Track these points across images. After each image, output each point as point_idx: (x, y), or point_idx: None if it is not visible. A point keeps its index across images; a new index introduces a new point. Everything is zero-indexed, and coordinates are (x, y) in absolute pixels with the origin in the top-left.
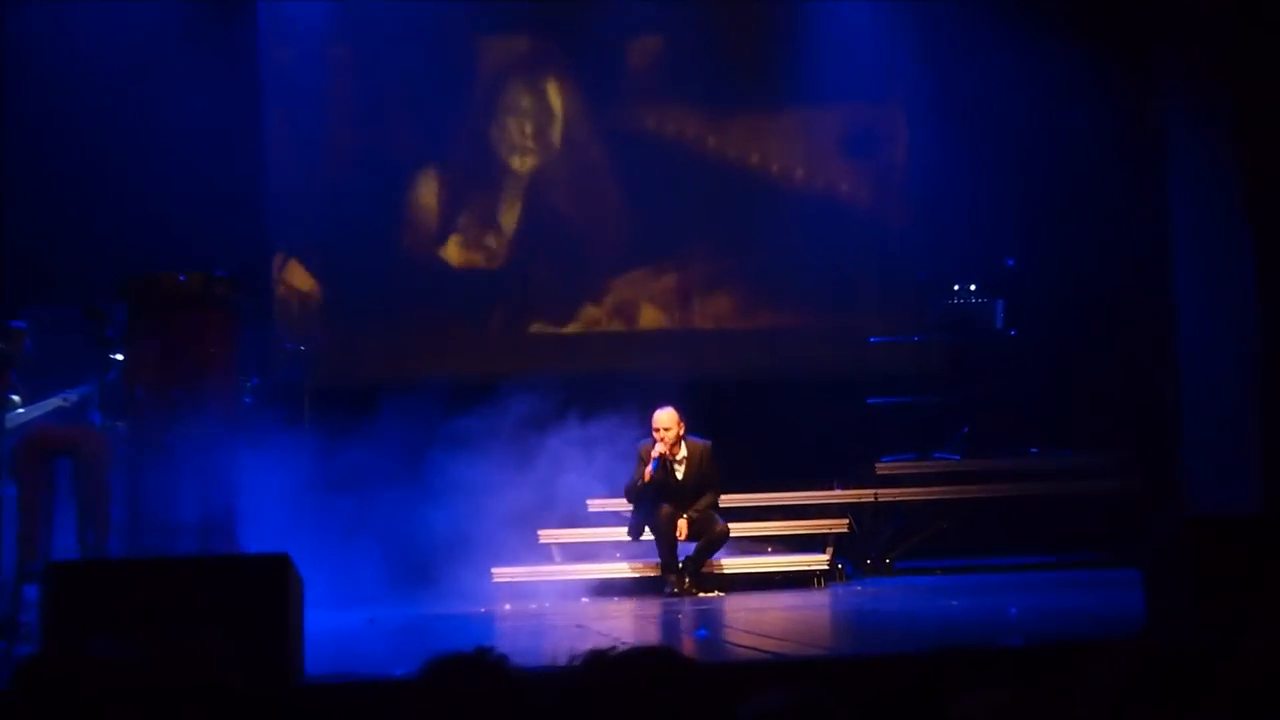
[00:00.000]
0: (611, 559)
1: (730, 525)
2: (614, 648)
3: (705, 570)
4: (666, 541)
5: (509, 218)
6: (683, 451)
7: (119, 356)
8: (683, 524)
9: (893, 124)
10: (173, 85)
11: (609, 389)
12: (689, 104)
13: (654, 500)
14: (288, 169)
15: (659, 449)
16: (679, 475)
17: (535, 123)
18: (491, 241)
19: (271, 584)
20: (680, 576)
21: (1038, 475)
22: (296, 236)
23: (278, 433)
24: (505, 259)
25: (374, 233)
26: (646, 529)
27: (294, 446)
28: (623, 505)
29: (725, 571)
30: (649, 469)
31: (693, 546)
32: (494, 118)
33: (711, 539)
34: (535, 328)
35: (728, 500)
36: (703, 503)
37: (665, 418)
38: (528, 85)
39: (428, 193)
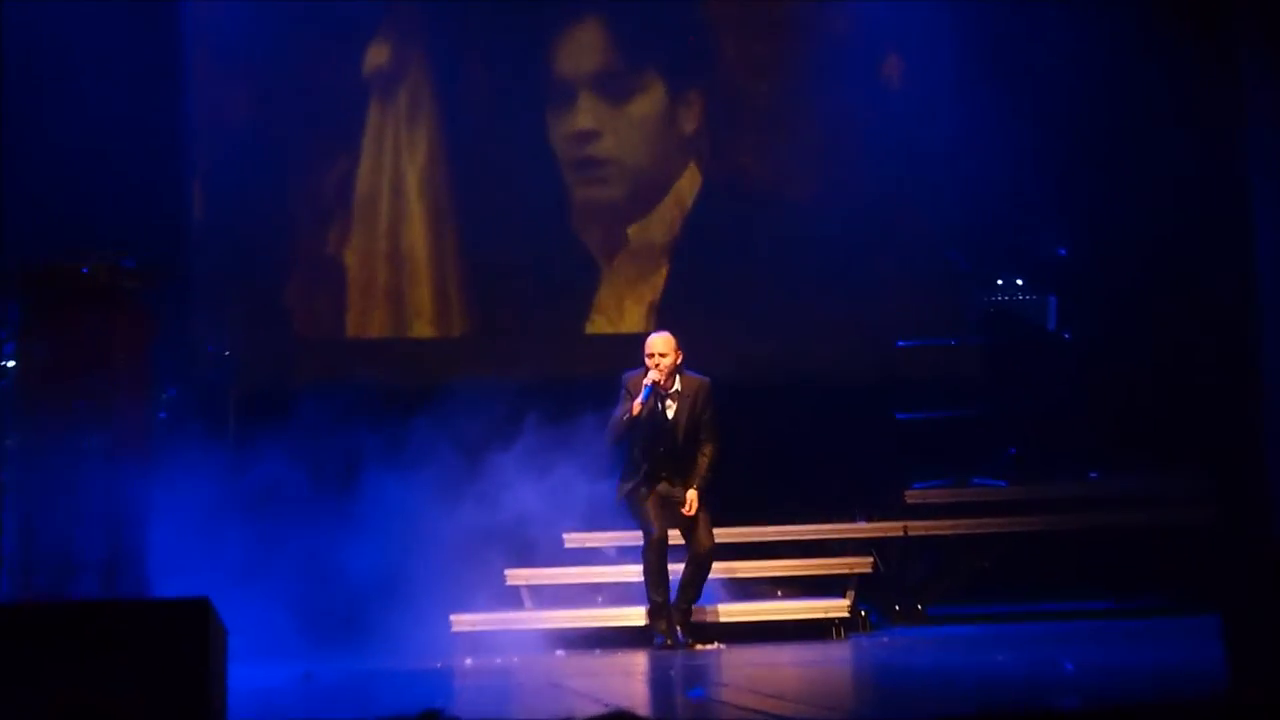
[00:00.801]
0: (592, 604)
1: (733, 564)
2: (570, 718)
3: (703, 619)
4: (658, 572)
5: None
6: (676, 385)
7: (10, 363)
8: (692, 495)
9: (920, 92)
10: (80, 48)
11: (588, 398)
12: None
13: (640, 444)
14: (211, 144)
15: (652, 376)
16: (670, 414)
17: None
18: (447, 230)
19: (190, 633)
20: (672, 623)
21: (1098, 505)
22: (220, 221)
23: (198, 451)
24: (459, 248)
25: (309, 219)
26: (636, 500)
27: (217, 468)
28: (607, 539)
29: (726, 620)
30: (640, 399)
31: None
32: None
33: (699, 559)
34: (499, 325)
35: (727, 535)
36: (702, 462)
37: (661, 342)
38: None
39: (370, 176)
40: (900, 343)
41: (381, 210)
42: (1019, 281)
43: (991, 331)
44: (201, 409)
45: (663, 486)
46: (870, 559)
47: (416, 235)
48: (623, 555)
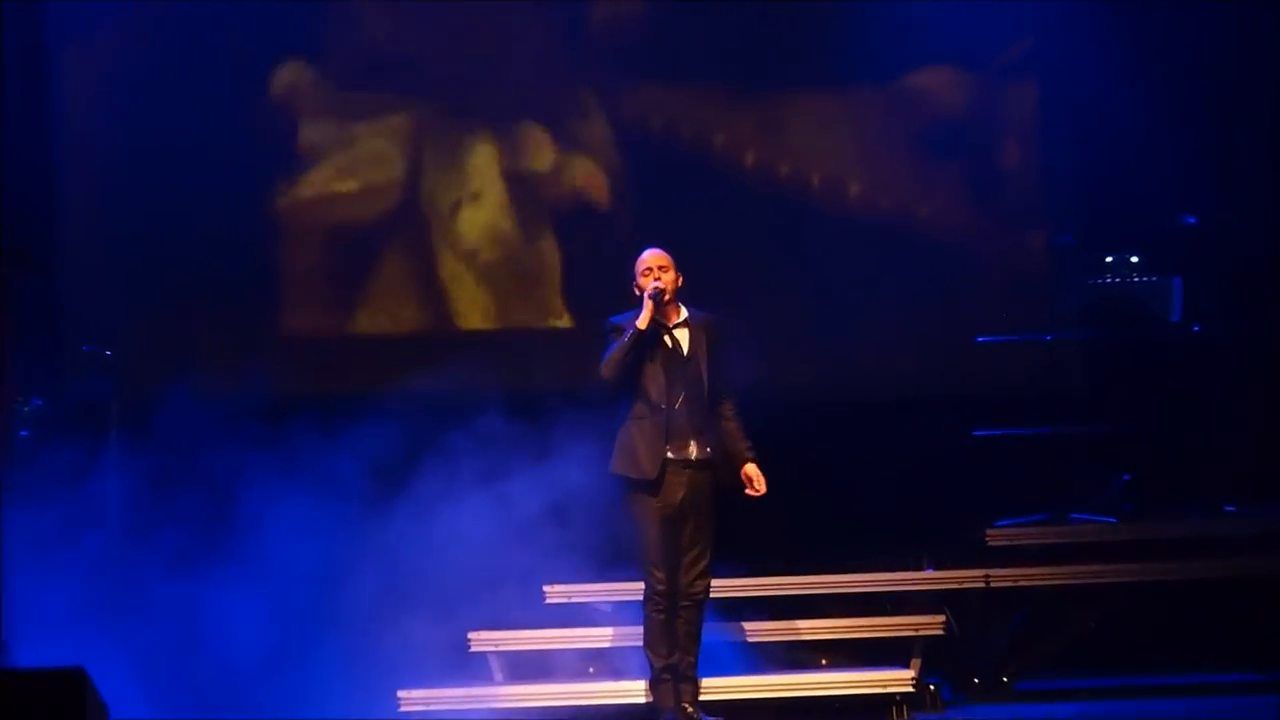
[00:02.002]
0: (581, 676)
1: (766, 625)
2: None
3: (727, 694)
4: (662, 631)
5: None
6: (682, 314)
7: None
8: (753, 470)
9: (1015, 22)
10: None
11: (577, 414)
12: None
13: (653, 392)
14: (82, 99)
15: (654, 286)
16: (684, 348)
17: None
18: (389, 189)
19: (62, 709)
20: (681, 698)
21: (1235, 547)
22: (92, 191)
23: (70, 479)
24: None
25: (207, 184)
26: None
27: (93, 500)
28: (599, 592)
29: (756, 695)
30: (648, 295)
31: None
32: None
33: (694, 601)
34: (459, 320)
35: (756, 587)
36: (734, 429)
37: (657, 255)
38: None
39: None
40: (980, 339)
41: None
42: (1134, 259)
43: (1098, 323)
44: (75, 424)
45: (683, 489)
46: (941, 618)
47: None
48: (620, 613)
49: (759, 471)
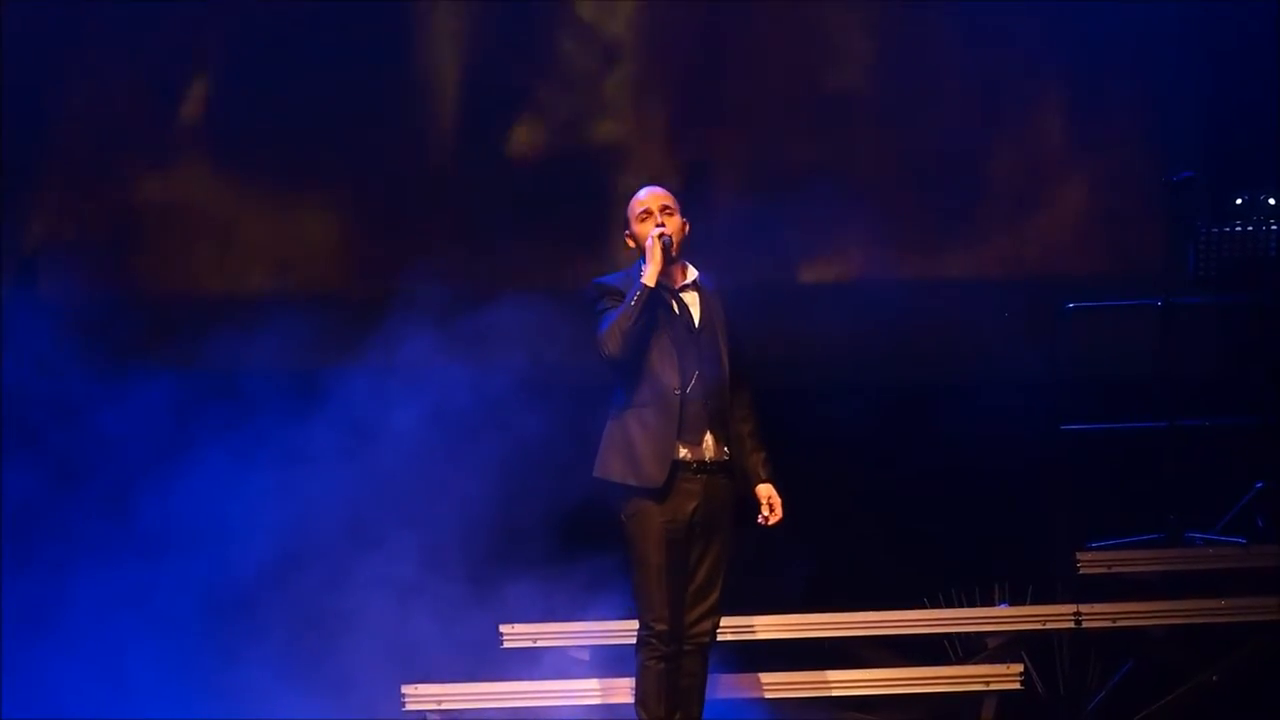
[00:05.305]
0: None
1: (789, 676)
2: None
3: None
4: (660, 684)
5: None
6: (690, 274)
7: None
8: (768, 491)
9: None
10: None
11: (559, 398)
12: None
13: (661, 374)
14: None
15: (661, 232)
16: (694, 317)
17: None
18: None
19: None
20: None
21: None
22: None
23: None
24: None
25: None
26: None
27: None
28: (574, 633)
29: None
30: (655, 252)
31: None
32: None
33: (699, 645)
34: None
35: (776, 626)
36: (748, 432)
37: (661, 195)
38: None
39: None
40: (1069, 305)
41: None
42: (1271, 200)
43: (1222, 283)
44: None
45: (696, 499)
46: (1019, 668)
47: None
48: (599, 659)
49: (776, 494)
